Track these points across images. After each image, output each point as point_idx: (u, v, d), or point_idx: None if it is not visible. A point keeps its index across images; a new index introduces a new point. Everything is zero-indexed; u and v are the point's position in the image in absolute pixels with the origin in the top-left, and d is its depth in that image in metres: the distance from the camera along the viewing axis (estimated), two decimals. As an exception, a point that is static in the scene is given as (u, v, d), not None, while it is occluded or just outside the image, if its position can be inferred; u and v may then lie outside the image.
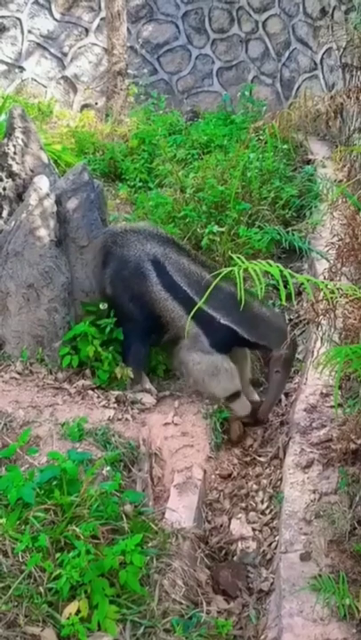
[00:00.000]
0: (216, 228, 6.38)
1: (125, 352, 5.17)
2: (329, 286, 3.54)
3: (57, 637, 3.14)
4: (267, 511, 4.33)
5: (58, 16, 11.32)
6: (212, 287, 3.39)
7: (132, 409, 4.91)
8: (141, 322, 5.10)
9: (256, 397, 5.18)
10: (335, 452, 3.96)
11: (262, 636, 3.38)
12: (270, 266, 3.14)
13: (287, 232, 5.06)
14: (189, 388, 5.08)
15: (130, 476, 4.30)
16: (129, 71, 10.82)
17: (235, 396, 4.93)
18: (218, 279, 3.25)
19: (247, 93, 9.96)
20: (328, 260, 4.47)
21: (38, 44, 11.37)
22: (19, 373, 5.01)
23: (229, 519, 4.33)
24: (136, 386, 5.12)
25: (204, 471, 4.47)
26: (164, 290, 4.96)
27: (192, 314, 4.08)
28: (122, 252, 5.14)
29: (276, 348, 4.82)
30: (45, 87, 11.46)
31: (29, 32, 11.27)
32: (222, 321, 4.75)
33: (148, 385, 5.17)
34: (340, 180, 6.87)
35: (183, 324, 4.84)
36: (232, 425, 4.96)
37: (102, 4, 10.97)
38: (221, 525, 4.30)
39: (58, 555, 3.36)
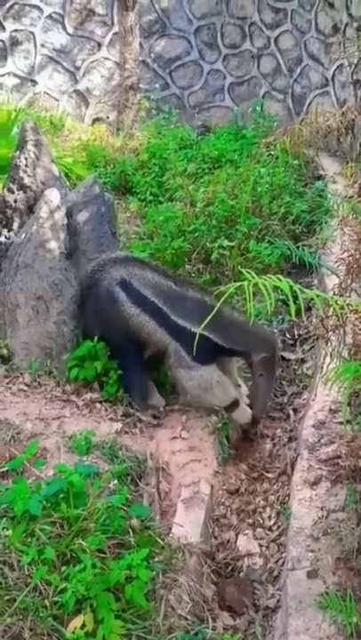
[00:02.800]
0: (226, 243, 6.40)
1: (127, 385, 5.14)
2: (339, 302, 3.53)
3: (62, 651, 3.14)
4: (274, 527, 4.31)
5: (71, 30, 11.38)
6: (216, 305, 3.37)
7: (140, 422, 4.91)
8: (127, 348, 5.08)
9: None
10: (343, 469, 3.94)
11: (268, 654, 3.36)
12: (280, 281, 3.13)
13: (297, 247, 5.03)
14: (189, 404, 5.04)
15: (137, 489, 4.29)
16: (141, 85, 10.84)
17: (234, 405, 4.92)
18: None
19: (258, 109, 9.98)
20: (338, 276, 4.45)
21: (51, 58, 11.43)
22: (27, 385, 5.01)
23: (236, 535, 4.31)
24: (146, 412, 5.08)
25: (212, 486, 4.45)
26: (134, 306, 4.95)
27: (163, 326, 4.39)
28: (94, 291, 5.16)
29: (254, 352, 4.83)
30: (57, 101, 11.51)
31: (42, 46, 11.34)
32: (193, 329, 4.59)
33: (154, 401, 5.13)
34: (351, 196, 6.86)
35: (159, 338, 4.88)
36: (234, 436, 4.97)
37: (115, 19, 11.02)
38: (228, 541, 4.27)
39: (64, 568, 3.36)
